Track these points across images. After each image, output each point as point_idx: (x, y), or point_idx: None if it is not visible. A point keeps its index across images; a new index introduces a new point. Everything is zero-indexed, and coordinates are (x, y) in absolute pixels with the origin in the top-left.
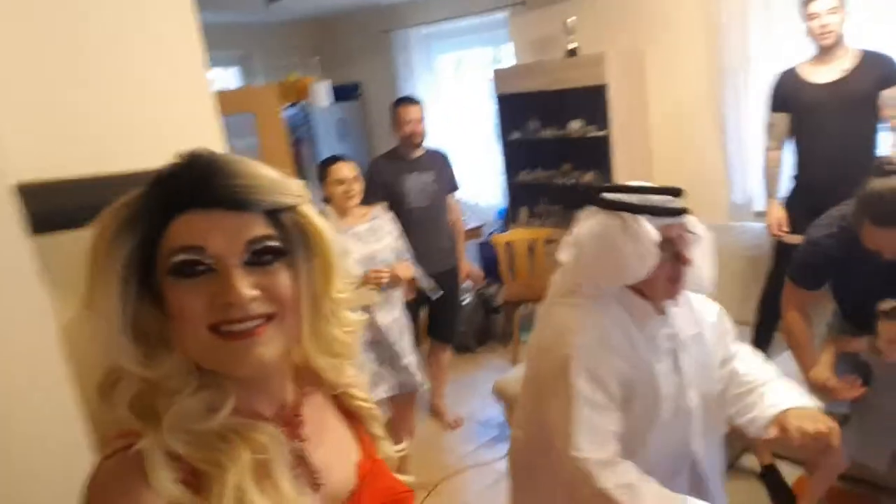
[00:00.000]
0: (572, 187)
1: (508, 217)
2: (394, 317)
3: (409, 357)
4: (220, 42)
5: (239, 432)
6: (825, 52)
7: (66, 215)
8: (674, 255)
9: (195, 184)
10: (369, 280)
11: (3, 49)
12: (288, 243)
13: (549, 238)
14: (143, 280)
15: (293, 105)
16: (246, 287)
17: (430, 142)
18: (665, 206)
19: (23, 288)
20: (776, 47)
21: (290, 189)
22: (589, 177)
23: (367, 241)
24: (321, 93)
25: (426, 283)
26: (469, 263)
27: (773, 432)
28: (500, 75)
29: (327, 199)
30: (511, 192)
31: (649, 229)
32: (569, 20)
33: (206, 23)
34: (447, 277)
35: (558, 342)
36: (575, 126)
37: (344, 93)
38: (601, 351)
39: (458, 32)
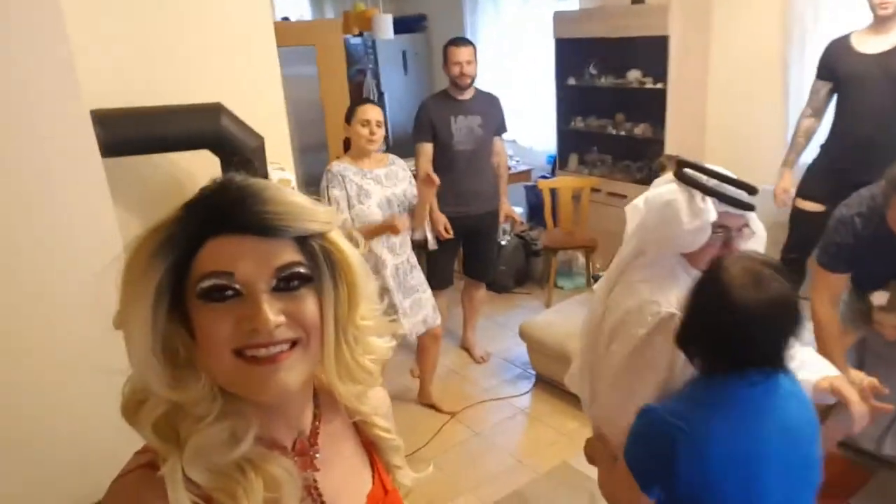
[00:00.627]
0: (624, 138)
1: (557, 163)
2: (403, 258)
3: (423, 294)
4: None
5: (255, 464)
6: (880, 22)
7: (134, 142)
8: (725, 241)
9: (226, 209)
10: (384, 230)
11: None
12: (315, 269)
13: (595, 187)
14: (174, 302)
15: (358, 35)
16: (273, 313)
17: (486, 80)
18: (735, 196)
19: (93, 206)
20: (846, 11)
21: (319, 216)
22: (641, 129)
23: (385, 184)
24: (383, 25)
25: (421, 236)
26: (509, 206)
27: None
28: (560, 18)
29: (347, 144)
30: (562, 138)
31: (710, 210)
32: None
33: None
34: (487, 219)
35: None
36: (633, 76)
37: (409, 24)
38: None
39: None
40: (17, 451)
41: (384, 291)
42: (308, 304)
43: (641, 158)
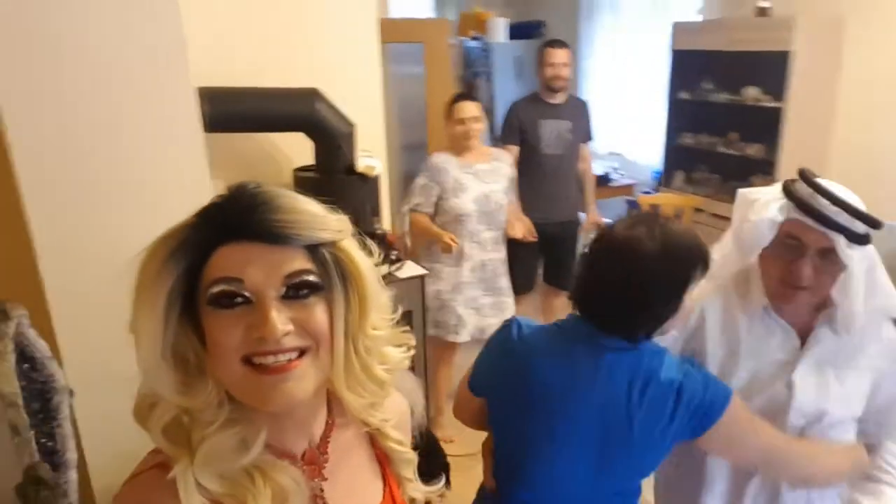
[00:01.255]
0: (735, 158)
1: (662, 179)
2: (496, 256)
3: (507, 299)
4: None
5: (264, 471)
6: None
7: (236, 119)
8: (796, 258)
9: (238, 216)
10: (439, 237)
11: None
12: (326, 278)
13: (699, 207)
14: (186, 308)
15: (476, 39)
16: (280, 321)
17: (596, 89)
18: (809, 201)
19: (195, 179)
20: None
21: (331, 224)
22: (754, 149)
23: (485, 180)
24: (497, 29)
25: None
26: (597, 214)
27: None
28: (680, 29)
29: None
30: (670, 153)
31: (774, 210)
32: None
33: None
34: (569, 227)
35: None
36: (749, 93)
37: (526, 30)
38: None
39: None
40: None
41: (458, 286)
42: (317, 312)
43: (751, 180)
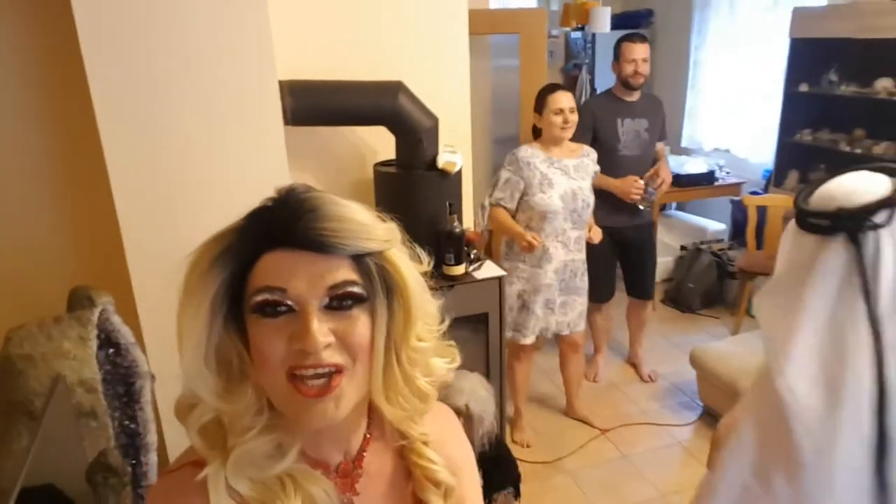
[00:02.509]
0: (860, 157)
1: (773, 178)
2: (578, 257)
3: (579, 298)
4: None
5: (296, 480)
6: None
7: (319, 113)
8: None
9: (284, 224)
10: (520, 237)
11: None
12: (370, 288)
13: None
14: (231, 312)
15: (578, 29)
16: (322, 332)
17: (707, 81)
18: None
19: (275, 171)
20: None
21: (378, 234)
22: (883, 147)
23: (573, 176)
24: (600, 18)
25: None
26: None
27: None
28: (801, 15)
29: (536, 131)
30: (783, 151)
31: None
32: None
33: None
34: (645, 230)
35: None
36: (882, 85)
37: (636, 19)
38: None
39: None
40: None
41: (539, 287)
42: (359, 324)
43: None
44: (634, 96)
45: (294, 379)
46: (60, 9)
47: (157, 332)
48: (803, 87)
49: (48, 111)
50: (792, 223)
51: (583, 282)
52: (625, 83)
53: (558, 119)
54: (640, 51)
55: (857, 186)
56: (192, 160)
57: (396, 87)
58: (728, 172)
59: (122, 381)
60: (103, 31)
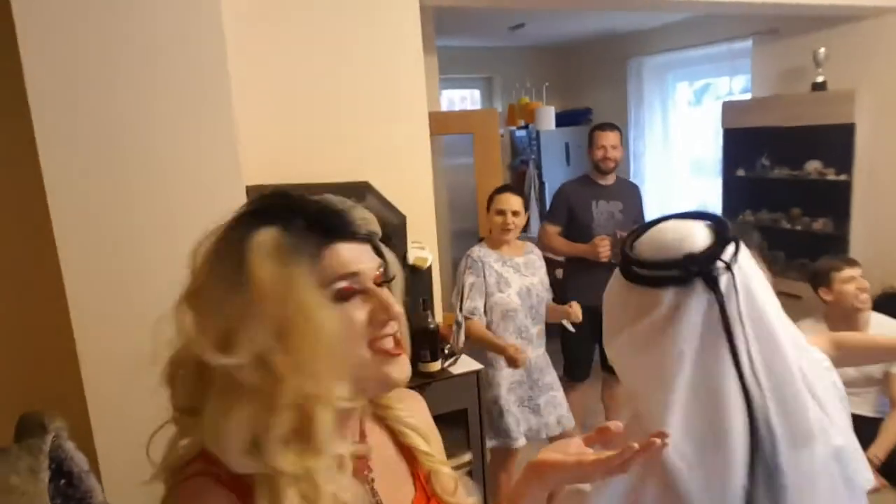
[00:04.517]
0: (800, 234)
1: None
2: (540, 352)
3: (557, 392)
4: (466, 65)
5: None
6: None
7: None
8: None
9: (340, 219)
10: (501, 350)
11: (252, 73)
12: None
13: None
14: None
15: (523, 128)
16: (395, 301)
17: (650, 170)
18: None
19: None
20: None
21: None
22: (821, 224)
23: (524, 273)
24: (545, 117)
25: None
26: None
27: None
28: (729, 108)
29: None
30: None
31: None
32: (819, 50)
33: (455, 46)
34: None
35: None
36: (812, 167)
37: (574, 117)
38: None
39: (697, 61)
40: None
41: (511, 387)
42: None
43: (820, 256)
44: (609, 180)
45: (376, 348)
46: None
47: (114, 456)
48: (740, 172)
49: None
50: (620, 280)
51: (552, 375)
52: (596, 167)
53: (499, 220)
54: (610, 138)
55: (684, 233)
56: (157, 281)
57: (364, 188)
58: None
59: None
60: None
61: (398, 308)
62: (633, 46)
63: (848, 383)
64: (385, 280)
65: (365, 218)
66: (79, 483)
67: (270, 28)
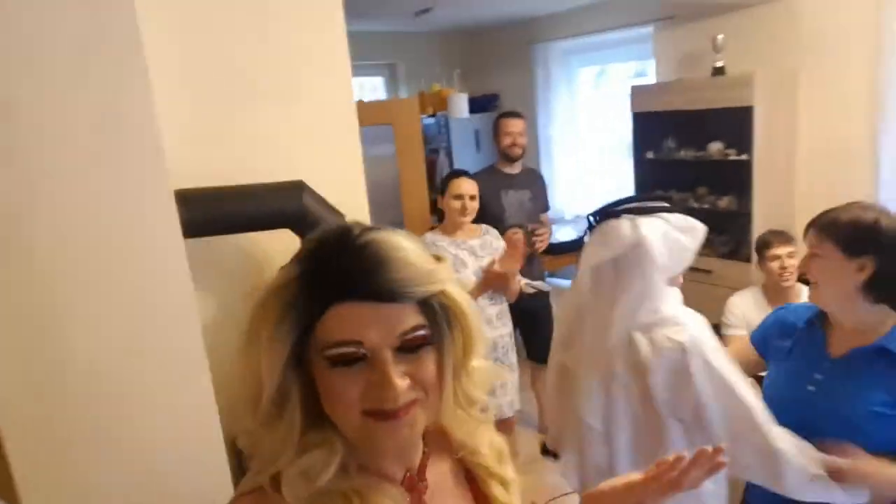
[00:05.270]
0: (707, 211)
1: None
2: (505, 331)
3: (513, 375)
4: (368, 51)
5: (362, 494)
6: None
7: (216, 221)
8: None
9: (353, 276)
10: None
11: (171, 72)
12: (435, 327)
13: None
14: (294, 355)
15: (432, 116)
16: (399, 378)
17: (560, 155)
18: None
19: (173, 287)
20: None
21: (441, 275)
22: (726, 202)
23: (479, 255)
24: (458, 105)
25: (533, 287)
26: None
27: None
28: (637, 92)
29: (441, 215)
30: None
31: None
32: (718, 36)
33: (355, 31)
34: (541, 296)
35: None
36: (714, 148)
37: (482, 104)
38: None
39: (600, 46)
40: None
41: None
42: (429, 364)
43: (726, 232)
44: (515, 168)
45: (369, 415)
46: None
47: None
48: (649, 154)
49: None
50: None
51: (513, 358)
52: (504, 155)
53: (457, 203)
54: (516, 125)
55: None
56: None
57: (299, 187)
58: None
59: None
60: None
61: (398, 384)
62: (538, 32)
63: None
64: (421, 343)
65: (402, 279)
66: None
67: (185, 14)
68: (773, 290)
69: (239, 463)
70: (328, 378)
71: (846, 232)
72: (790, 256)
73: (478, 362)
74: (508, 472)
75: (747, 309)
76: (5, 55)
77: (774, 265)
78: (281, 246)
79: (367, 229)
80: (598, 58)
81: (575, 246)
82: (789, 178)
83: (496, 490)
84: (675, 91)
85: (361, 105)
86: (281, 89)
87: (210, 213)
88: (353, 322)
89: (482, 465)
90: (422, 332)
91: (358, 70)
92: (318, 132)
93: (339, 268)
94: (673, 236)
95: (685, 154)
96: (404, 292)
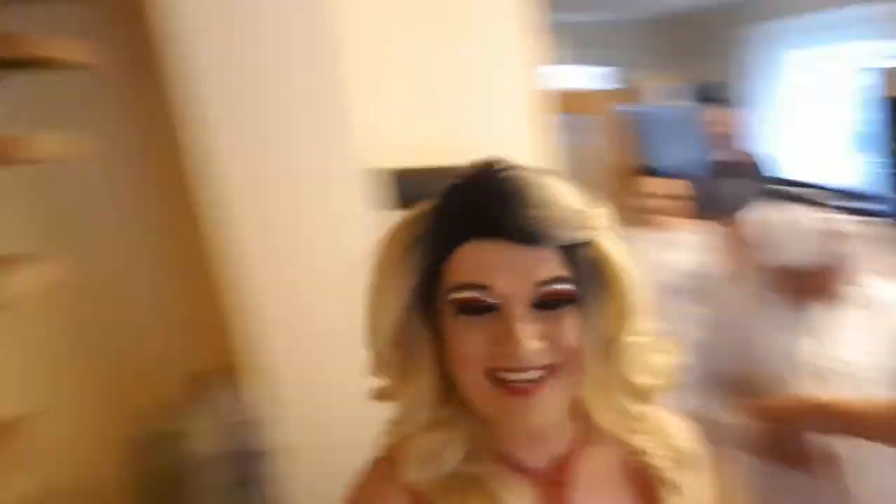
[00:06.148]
0: None
1: None
2: None
3: None
4: (579, 42)
5: (482, 484)
6: None
7: (424, 198)
8: None
9: (486, 211)
10: None
11: (380, 58)
12: (581, 284)
13: None
14: (422, 300)
15: (639, 104)
16: (528, 336)
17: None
18: None
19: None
20: None
21: (590, 221)
22: None
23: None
24: (669, 94)
25: None
26: None
27: None
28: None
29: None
30: None
31: None
32: None
33: (577, 22)
34: None
35: None
36: None
37: (701, 93)
38: None
39: (823, 26)
40: None
41: None
42: (569, 325)
43: None
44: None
45: (496, 379)
46: None
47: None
48: None
49: None
50: None
51: None
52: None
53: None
54: (723, 115)
55: None
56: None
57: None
58: None
59: (243, 461)
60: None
61: (527, 344)
62: (751, 13)
63: None
64: (561, 300)
65: (543, 218)
66: (247, 432)
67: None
68: None
69: None
70: (453, 328)
71: None
72: None
73: (637, 338)
74: (688, 479)
75: None
76: (252, 58)
77: None
78: None
79: (512, 165)
80: (817, 39)
81: None
82: None
83: (669, 501)
84: None
85: (563, 94)
86: (461, 80)
87: (421, 191)
88: (481, 263)
89: (652, 466)
90: (562, 286)
91: (581, 60)
92: (510, 115)
93: (471, 202)
94: None
95: None
96: (544, 233)
